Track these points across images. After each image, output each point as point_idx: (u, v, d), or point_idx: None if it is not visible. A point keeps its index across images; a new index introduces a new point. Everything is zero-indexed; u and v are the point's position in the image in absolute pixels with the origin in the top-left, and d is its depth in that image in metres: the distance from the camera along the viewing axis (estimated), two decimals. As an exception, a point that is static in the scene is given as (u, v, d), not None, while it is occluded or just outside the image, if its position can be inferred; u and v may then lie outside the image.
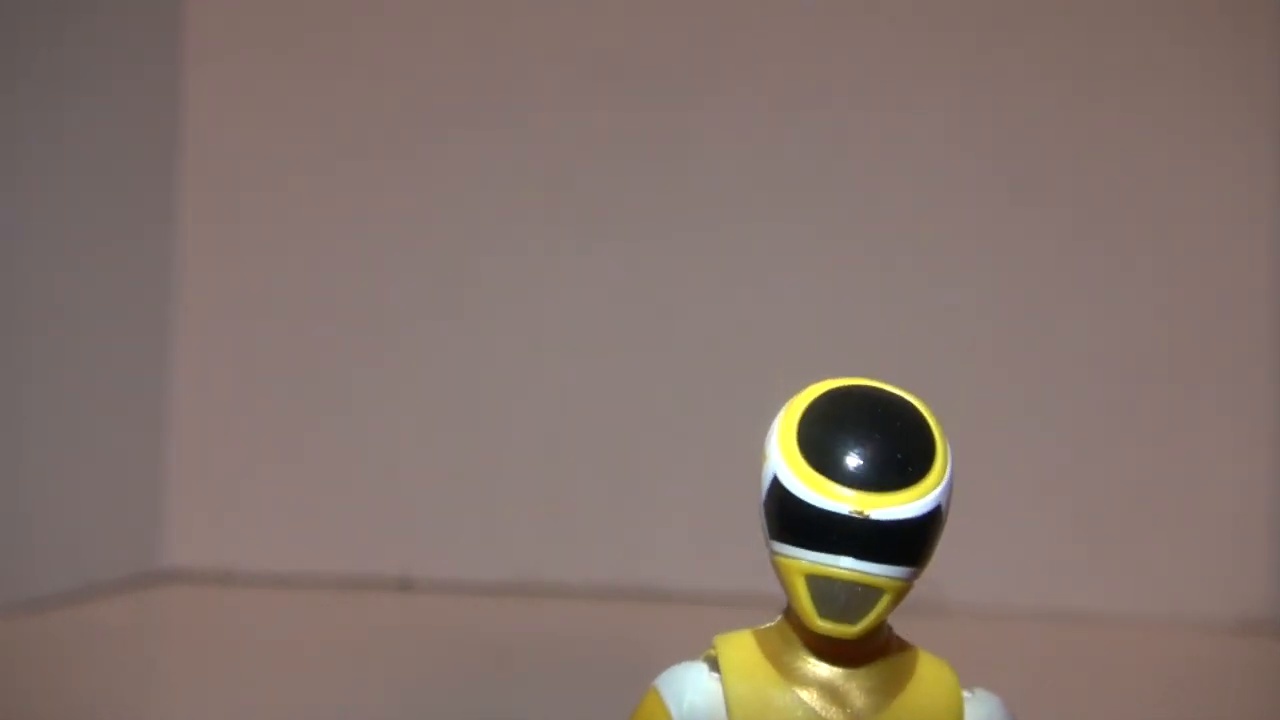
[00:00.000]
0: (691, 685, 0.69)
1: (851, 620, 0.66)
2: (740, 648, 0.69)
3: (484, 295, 2.01)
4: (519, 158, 2.01)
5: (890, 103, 1.97)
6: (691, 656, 0.70)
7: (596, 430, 1.98)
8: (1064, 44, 1.96)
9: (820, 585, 0.66)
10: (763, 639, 0.69)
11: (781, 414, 0.69)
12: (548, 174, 2.01)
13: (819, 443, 0.67)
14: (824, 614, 0.66)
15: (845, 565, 0.65)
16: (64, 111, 1.83)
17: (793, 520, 0.66)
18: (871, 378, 0.70)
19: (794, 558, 0.66)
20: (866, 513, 0.65)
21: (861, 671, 0.68)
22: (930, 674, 0.69)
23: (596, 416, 1.98)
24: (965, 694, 0.71)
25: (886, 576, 0.66)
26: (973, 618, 1.89)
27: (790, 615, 0.68)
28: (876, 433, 0.67)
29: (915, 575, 0.67)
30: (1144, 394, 1.94)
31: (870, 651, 0.68)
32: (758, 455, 0.68)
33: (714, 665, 0.69)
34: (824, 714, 0.67)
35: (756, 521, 0.69)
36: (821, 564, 0.65)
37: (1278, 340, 1.92)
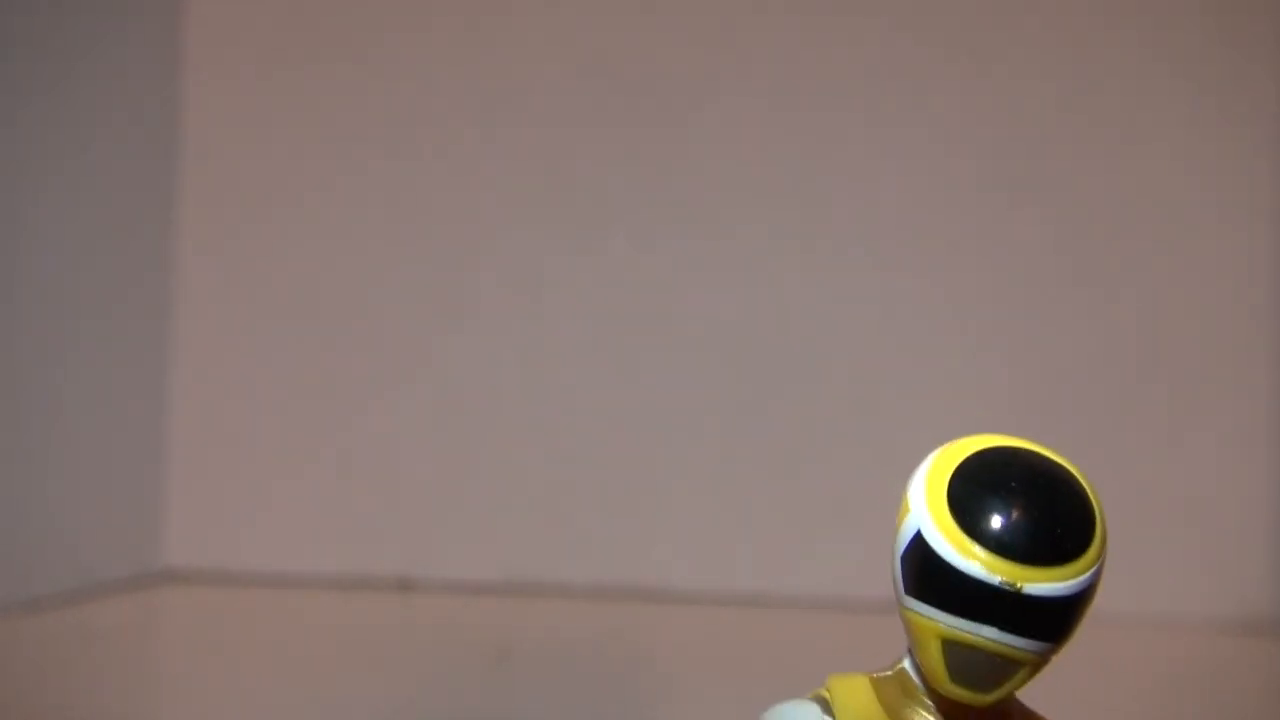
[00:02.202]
0: None
1: (985, 690, 0.63)
2: (856, 693, 0.67)
3: (483, 295, 2.01)
4: (518, 159, 2.01)
5: (889, 103, 1.97)
6: (798, 694, 0.67)
7: (596, 430, 1.98)
8: (1063, 43, 1.96)
9: (957, 651, 0.63)
10: (880, 687, 0.67)
11: (929, 465, 0.67)
12: (547, 175, 2.01)
13: (973, 507, 0.64)
14: (957, 680, 0.63)
15: (988, 635, 0.63)
16: (64, 112, 1.83)
17: (936, 582, 0.64)
18: (1028, 439, 0.68)
19: (932, 619, 0.64)
20: (1021, 587, 0.62)
21: None
22: None
23: (596, 416, 1.98)
24: None
25: (1030, 651, 0.63)
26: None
27: (913, 668, 0.66)
28: (1036, 503, 0.64)
29: (1056, 650, 0.64)
30: (1144, 394, 1.94)
31: (993, 716, 0.66)
32: (896, 504, 0.68)
33: (825, 708, 0.67)
34: None
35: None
36: (962, 630, 0.63)
37: (1278, 340, 1.92)
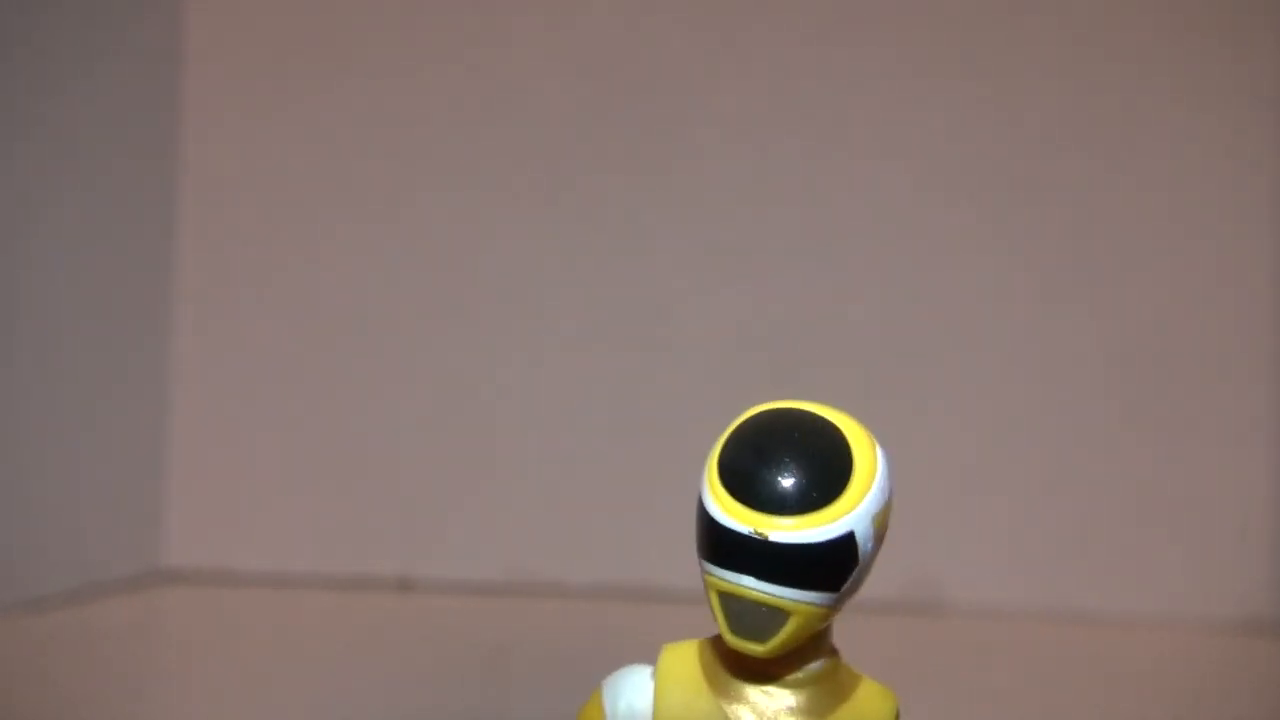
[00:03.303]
0: (629, 689, 0.71)
1: (761, 639, 0.67)
2: (681, 658, 0.71)
3: (483, 295, 2.01)
4: (518, 159, 2.01)
5: (889, 101, 1.97)
6: (649, 660, 0.71)
7: (596, 430, 1.98)
8: (1065, 42, 1.96)
9: (730, 603, 0.67)
10: (704, 650, 0.71)
11: (718, 441, 0.71)
12: (546, 175, 2.01)
13: (734, 465, 0.68)
14: (735, 631, 0.67)
15: (748, 584, 0.66)
16: (64, 112, 1.83)
17: (707, 538, 0.67)
18: (815, 397, 0.72)
19: (709, 574, 0.67)
20: (765, 534, 0.66)
21: (790, 692, 0.69)
22: (868, 704, 0.70)
23: (596, 416, 1.98)
24: None
25: (793, 600, 0.66)
26: (973, 618, 1.89)
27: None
28: (788, 457, 0.68)
29: (831, 601, 0.67)
30: (1144, 394, 1.94)
31: (796, 671, 0.69)
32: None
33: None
34: None
35: None
36: (728, 581, 0.67)
37: (1278, 340, 1.92)
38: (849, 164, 1.98)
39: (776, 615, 0.67)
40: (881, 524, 0.69)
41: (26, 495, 1.79)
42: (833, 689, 0.69)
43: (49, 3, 1.81)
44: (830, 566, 0.67)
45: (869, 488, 0.69)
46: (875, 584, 2.13)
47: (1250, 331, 1.93)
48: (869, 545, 0.68)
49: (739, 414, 0.73)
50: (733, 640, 0.67)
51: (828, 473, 0.68)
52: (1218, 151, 1.93)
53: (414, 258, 2.02)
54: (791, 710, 0.68)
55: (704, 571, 0.68)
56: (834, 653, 0.70)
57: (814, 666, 0.69)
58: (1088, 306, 1.95)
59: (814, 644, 0.69)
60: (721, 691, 0.69)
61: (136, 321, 1.99)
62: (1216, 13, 1.93)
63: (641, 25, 2.01)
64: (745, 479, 0.67)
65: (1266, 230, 1.93)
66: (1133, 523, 1.93)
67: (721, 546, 0.67)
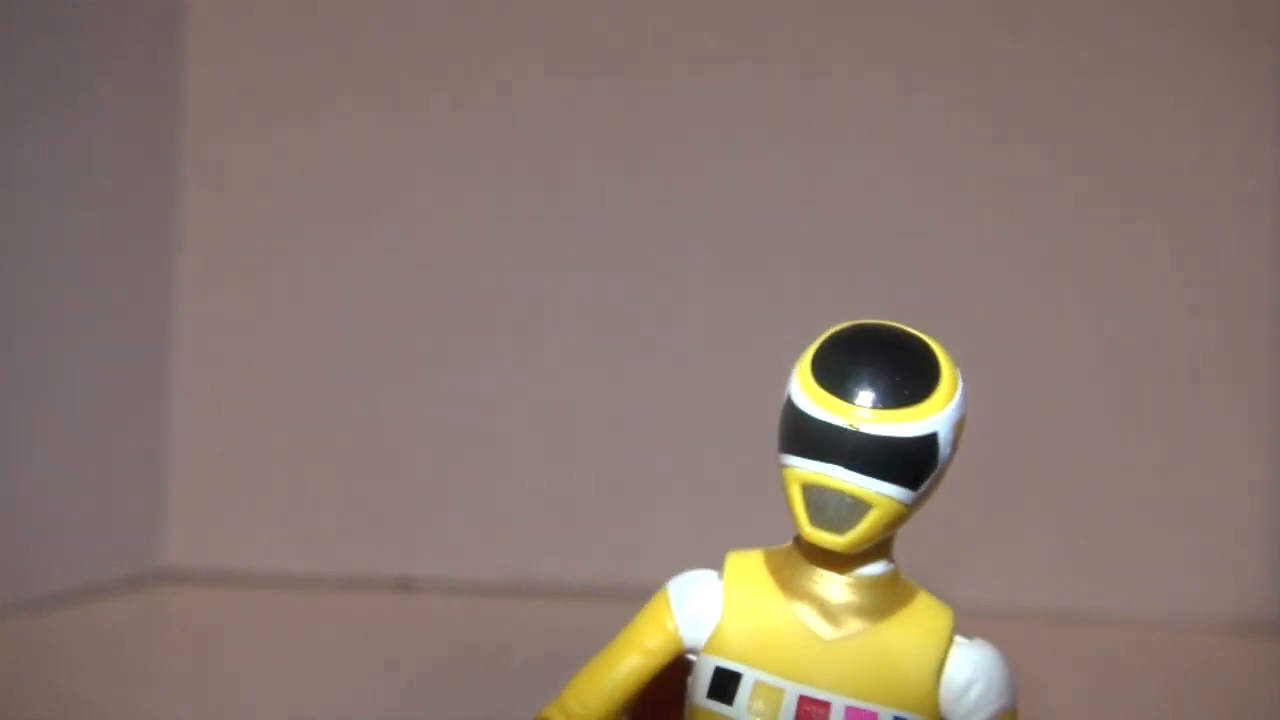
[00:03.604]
0: (695, 587, 0.75)
1: (840, 530, 0.71)
2: (747, 561, 0.75)
3: (482, 295, 2.02)
4: (516, 159, 2.01)
5: (889, 101, 1.97)
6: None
7: (596, 430, 1.98)
8: (1067, 39, 1.96)
9: (813, 494, 0.71)
10: (770, 557, 0.75)
11: (805, 351, 0.77)
12: (546, 175, 2.01)
13: (829, 364, 0.74)
14: (815, 522, 0.71)
15: (835, 474, 0.71)
16: (63, 112, 1.83)
17: (796, 431, 0.72)
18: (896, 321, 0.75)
19: (794, 466, 0.72)
20: (858, 426, 0.71)
21: (856, 592, 0.73)
22: (926, 611, 0.74)
23: (596, 416, 1.98)
24: (960, 639, 0.74)
25: (875, 492, 0.71)
26: (973, 618, 1.89)
27: (796, 536, 0.74)
28: (881, 358, 0.73)
29: (910, 499, 0.72)
30: (1145, 394, 1.94)
31: (866, 574, 0.73)
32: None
33: (722, 574, 0.75)
34: (810, 623, 0.72)
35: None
36: (816, 471, 0.71)
37: (1278, 340, 1.92)
38: (850, 164, 1.98)
39: (858, 507, 0.71)
40: (959, 433, 0.73)
41: (27, 495, 1.79)
42: (894, 593, 0.73)
43: (49, 3, 1.81)
44: (913, 463, 0.71)
45: (953, 395, 0.73)
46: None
47: (1250, 331, 1.93)
48: (948, 450, 0.72)
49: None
50: (812, 532, 0.71)
51: (918, 375, 0.73)
52: (1218, 151, 1.93)
53: (414, 258, 2.02)
54: (855, 609, 0.72)
55: (786, 466, 0.72)
56: (898, 568, 0.74)
57: (878, 569, 0.73)
58: (1088, 306, 1.95)
59: (880, 549, 0.73)
60: (788, 590, 0.73)
61: (136, 321, 1.99)
62: (1217, 13, 1.93)
63: (644, 24, 2.01)
64: (839, 375, 0.72)
65: (1267, 230, 1.93)
66: (1133, 522, 1.93)
67: (811, 438, 0.71)
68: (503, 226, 2.01)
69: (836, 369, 0.73)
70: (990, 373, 1.96)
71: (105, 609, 1.83)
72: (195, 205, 2.03)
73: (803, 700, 0.71)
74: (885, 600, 0.73)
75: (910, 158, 1.97)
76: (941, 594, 2.05)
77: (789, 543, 0.75)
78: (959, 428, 0.73)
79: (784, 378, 0.77)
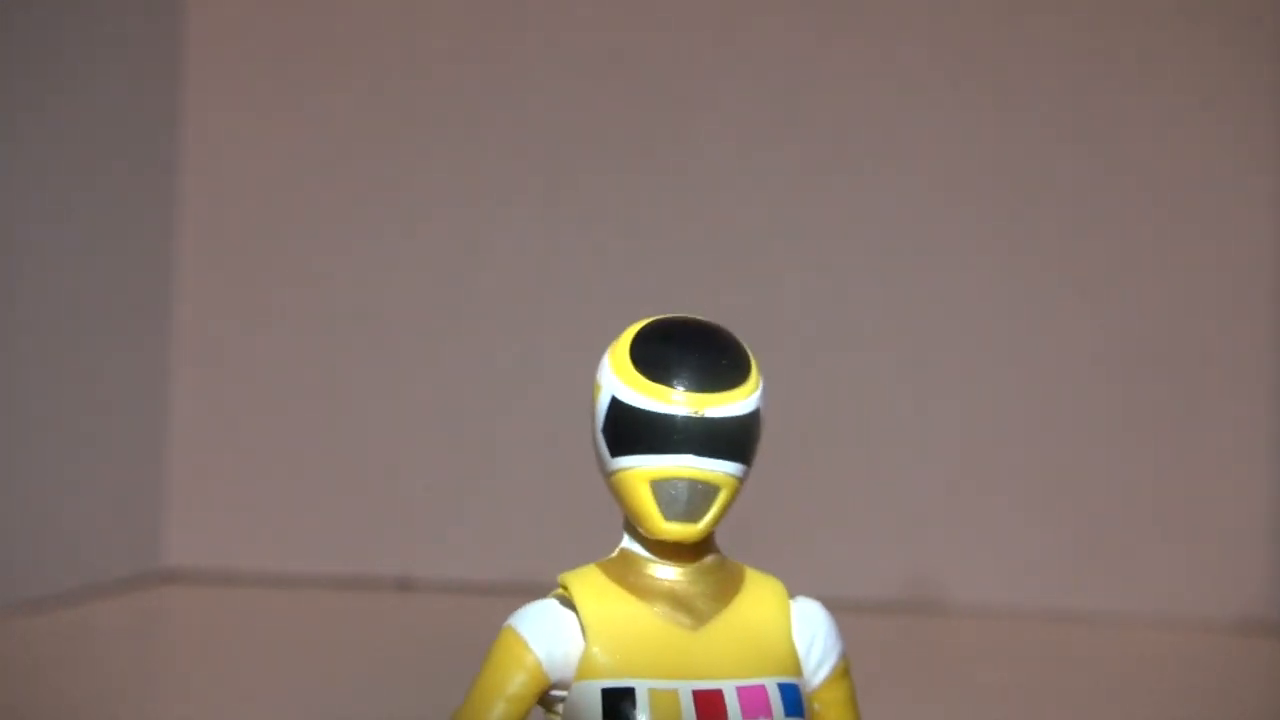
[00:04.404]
0: (545, 617, 0.73)
1: (694, 519, 0.72)
2: (588, 577, 0.74)
3: (483, 295, 2.01)
4: (516, 160, 2.01)
5: (890, 102, 1.97)
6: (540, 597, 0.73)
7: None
8: (1067, 41, 1.96)
9: (663, 489, 0.72)
10: (607, 568, 0.74)
11: (608, 353, 0.76)
12: (546, 175, 2.01)
13: (654, 360, 0.73)
14: (669, 516, 0.72)
15: (688, 463, 0.72)
16: (64, 112, 1.83)
17: (635, 431, 0.72)
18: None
19: (639, 467, 0.72)
20: (702, 412, 0.72)
21: (700, 580, 0.73)
22: (760, 582, 0.75)
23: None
24: (790, 600, 0.75)
25: (723, 473, 0.72)
26: (973, 618, 1.89)
27: (630, 539, 0.74)
28: (700, 345, 0.74)
29: (744, 474, 0.73)
30: (1144, 394, 1.94)
31: (705, 561, 0.74)
32: (587, 401, 0.76)
33: (564, 602, 0.73)
34: (673, 619, 0.72)
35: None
36: (666, 466, 0.72)
37: (1278, 341, 1.92)
38: (850, 164, 1.98)
39: (709, 492, 0.72)
40: (764, 411, 0.75)
41: (26, 495, 1.79)
42: (730, 574, 0.74)
43: (49, 3, 1.81)
44: (748, 440, 0.73)
45: (760, 373, 0.75)
46: (875, 584, 2.14)
47: (1250, 331, 1.93)
48: (764, 421, 0.75)
49: None
50: (666, 529, 0.72)
51: (735, 356, 0.74)
52: (1218, 151, 1.93)
53: (414, 258, 2.02)
54: (706, 596, 0.73)
55: (624, 470, 0.73)
56: (718, 548, 0.75)
57: (714, 554, 0.74)
58: (1088, 307, 1.95)
59: (710, 536, 0.74)
60: (640, 592, 0.73)
61: (137, 321, 1.99)
62: (1217, 13, 1.93)
63: (645, 24, 2.01)
64: (668, 367, 0.73)
65: (1267, 230, 1.93)
66: (1133, 523, 1.93)
67: (657, 434, 0.72)
68: (504, 226, 2.01)
69: (662, 361, 0.73)
70: (990, 373, 1.96)
71: (105, 609, 1.83)
72: (195, 205, 2.03)
73: (698, 695, 0.71)
74: (726, 582, 0.74)
75: (910, 158, 1.97)
76: (942, 593, 2.05)
77: (617, 551, 0.75)
78: (765, 404, 0.75)
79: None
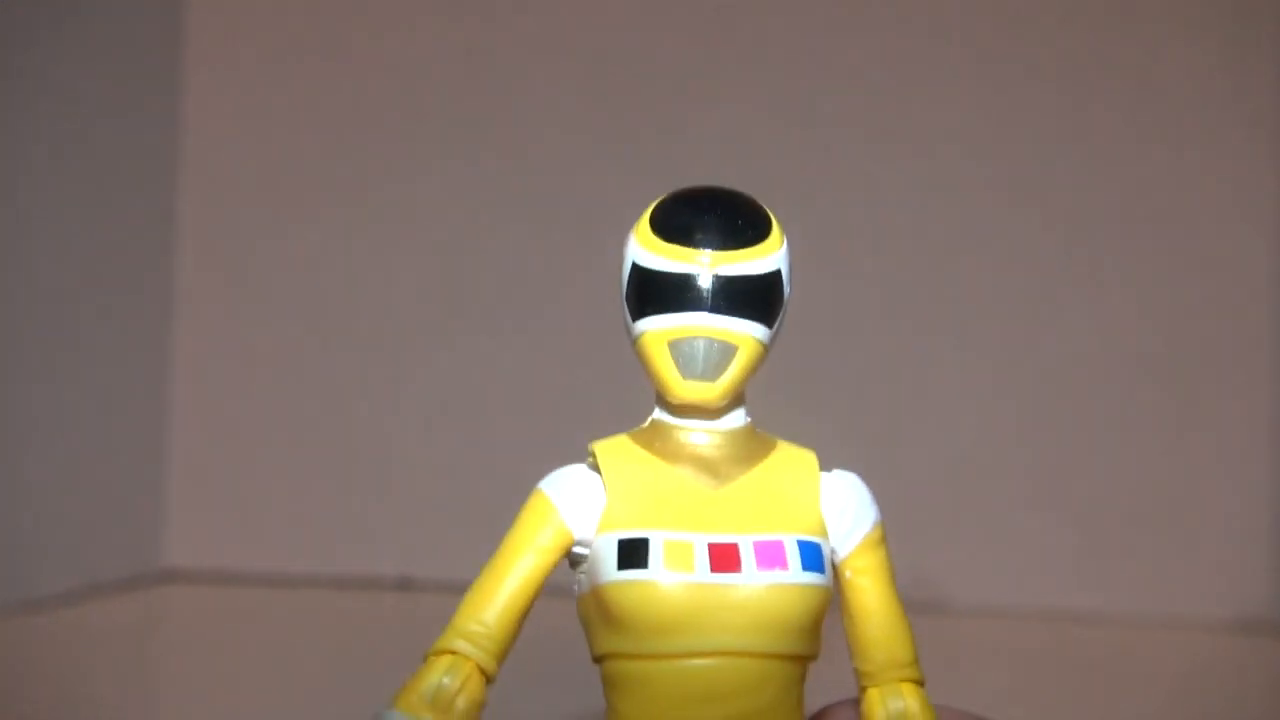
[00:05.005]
0: (571, 479, 0.77)
1: (713, 377, 0.73)
2: (615, 444, 0.77)
3: (482, 296, 2.01)
4: (517, 159, 2.01)
5: (891, 104, 1.97)
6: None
7: (596, 430, 1.98)
8: (1066, 44, 1.96)
9: (681, 348, 0.73)
10: (637, 436, 0.77)
11: (635, 222, 0.77)
12: (546, 175, 2.01)
13: (670, 222, 0.75)
14: (686, 375, 0.73)
15: (701, 322, 0.73)
16: (64, 112, 1.83)
17: (653, 292, 0.74)
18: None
19: (657, 328, 0.73)
20: (715, 269, 0.73)
21: (727, 444, 0.75)
22: (791, 452, 0.77)
23: (596, 416, 1.98)
24: (824, 473, 0.78)
25: (741, 332, 0.73)
26: (973, 618, 1.89)
27: (659, 408, 0.76)
28: (718, 207, 0.75)
29: (767, 337, 0.74)
30: (1144, 395, 1.94)
31: (732, 425, 0.75)
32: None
33: (593, 468, 0.77)
34: (696, 480, 0.74)
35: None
36: (682, 324, 0.73)
37: (1278, 341, 1.92)
38: (850, 164, 1.98)
39: (726, 351, 0.73)
40: (791, 271, 0.76)
41: (27, 495, 1.79)
42: (760, 442, 0.76)
43: (50, 2, 1.81)
44: (767, 299, 0.74)
45: (783, 235, 0.75)
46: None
47: (1251, 331, 1.93)
48: (789, 288, 0.75)
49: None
50: (684, 387, 0.73)
51: (754, 218, 0.74)
52: (1218, 151, 1.93)
53: (414, 258, 2.02)
54: (732, 459, 0.75)
55: (644, 332, 0.73)
56: (752, 424, 0.77)
57: (740, 420, 0.76)
58: (1088, 307, 1.95)
59: (736, 401, 0.76)
60: (665, 457, 0.75)
61: (137, 321, 1.99)
62: (1216, 13, 1.93)
63: (644, 25, 2.01)
64: (683, 228, 0.73)
65: (1267, 230, 1.93)
66: (1133, 523, 1.93)
67: (669, 292, 0.73)
68: (504, 226, 2.01)
69: (678, 224, 0.74)
70: (990, 373, 1.96)
71: (105, 609, 1.83)
72: (196, 206, 2.03)
73: (713, 547, 0.72)
74: (754, 448, 0.75)
75: (911, 162, 1.97)
76: (942, 594, 2.05)
77: (649, 421, 0.77)
78: (792, 270, 0.76)
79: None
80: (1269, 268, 1.93)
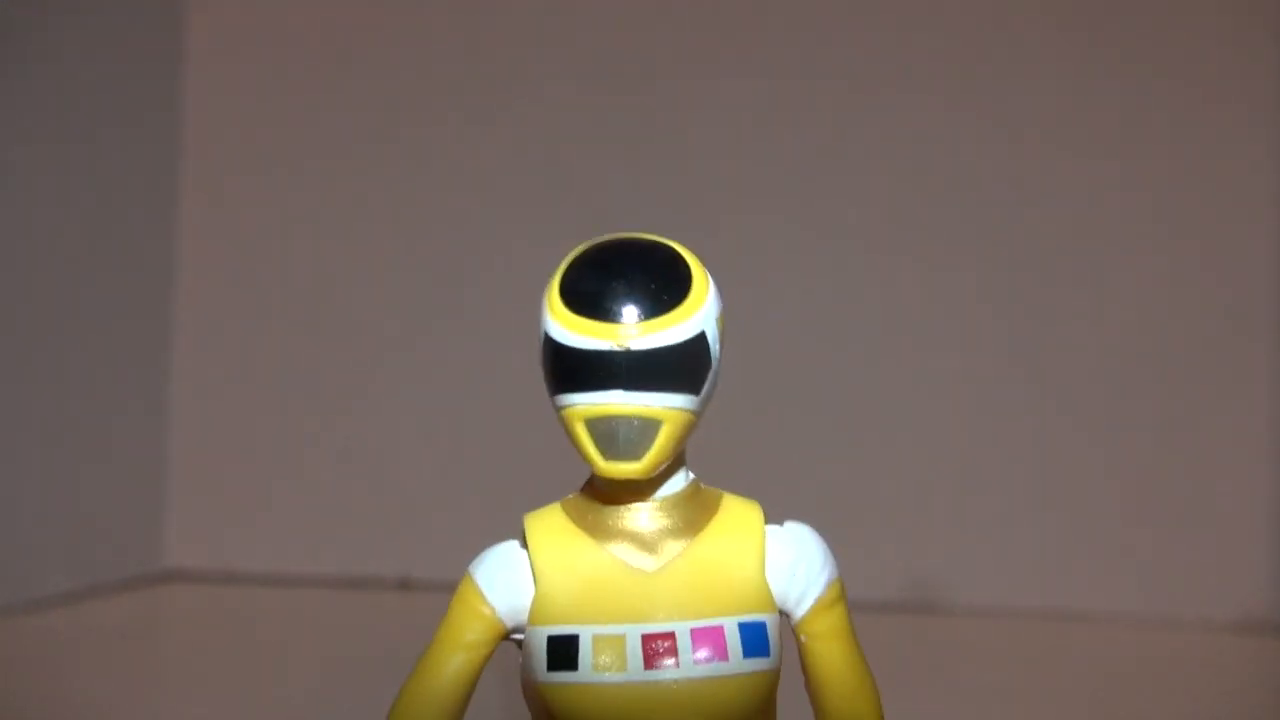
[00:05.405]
0: (500, 563, 0.73)
1: (635, 456, 0.68)
2: (547, 519, 0.72)
3: (483, 295, 2.02)
4: (517, 159, 2.01)
5: (889, 103, 1.97)
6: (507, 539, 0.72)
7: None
8: (1066, 40, 1.96)
9: (599, 426, 0.68)
10: (569, 507, 0.72)
11: (553, 273, 0.70)
12: (546, 173, 2.01)
13: (579, 289, 0.68)
14: (608, 455, 0.68)
15: (616, 401, 0.67)
16: (64, 112, 1.83)
17: (563, 367, 0.68)
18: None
19: (572, 404, 0.68)
20: (627, 344, 0.67)
21: (662, 515, 0.70)
22: (735, 511, 0.71)
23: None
24: (771, 526, 0.71)
25: (662, 407, 0.68)
26: (973, 618, 1.89)
27: (590, 479, 0.71)
28: (628, 270, 0.68)
29: (695, 405, 0.68)
30: (1144, 394, 1.94)
31: (669, 494, 0.70)
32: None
33: (524, 542, 0.72)
34: (629, 560, 0.69)
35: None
36: (596, 403, 0.68)
37: (1278, 340, 1.92)
38: (850, 163, 1.98)
39: (649, 427, 0.68)
40: (722, 328, 0.70)
41: (28, 495, 1.79)
42: (701, 504, 0.71)
43: (50, 2, 1.81)
44: (690, 367, 0.68)
45: (708, 290, 0.69)
46: (875, 584, 2.14)
47: (1250, 331, 1.93)
48: (717, 346, 0.69)
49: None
50: (607, 467, 0.68)
51: (671, 278, 0.69)
52: (1218, 151, 1.93)
53: (414, 258, 2.02)
54: (669, 532, 0.70)
55: (562, 407, 0.69)
56: (695, 479, 0.72)
57: (680, 485, 0.71)
58: (1088, 307, 1.95)
59: (676, 464, 0.70)
60: (598, 534, 0.70)
61: (138, 323, 1.99)
62: (1217, 12, 1.93)
63: (644, 24, 2.01)
64: (593, 297, 0.68)
65: (1266, 230, 1.93)
66: (1133, 523, 1.93)
67: (583, 370, 0.68)
68: (504, 227, 2.01)
69: (588, 291, 0.68)
70: (990, 373, 1.96)
71: (106, 609, 1.83)
72: (196, 207, 2.03)
73: (646, 638, 0.68)
74: (694, 514, 0.70)
75: (910, 158, 1.97)
76: (943, 594, 2.05)
77: (581, 488, 0.72)
78: (721, 321, 0.70)
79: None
80: (1269, 268, 1.93)
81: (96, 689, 1.47)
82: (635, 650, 0.68)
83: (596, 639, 0.68)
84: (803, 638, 0.71)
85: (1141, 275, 1.94)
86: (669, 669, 0.67)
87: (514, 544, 0.73)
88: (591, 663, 0.68)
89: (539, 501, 2.12)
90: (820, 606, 0.71)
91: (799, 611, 0.70)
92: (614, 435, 0.68)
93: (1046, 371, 1.95)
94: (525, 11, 2.02)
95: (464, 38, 2.02)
